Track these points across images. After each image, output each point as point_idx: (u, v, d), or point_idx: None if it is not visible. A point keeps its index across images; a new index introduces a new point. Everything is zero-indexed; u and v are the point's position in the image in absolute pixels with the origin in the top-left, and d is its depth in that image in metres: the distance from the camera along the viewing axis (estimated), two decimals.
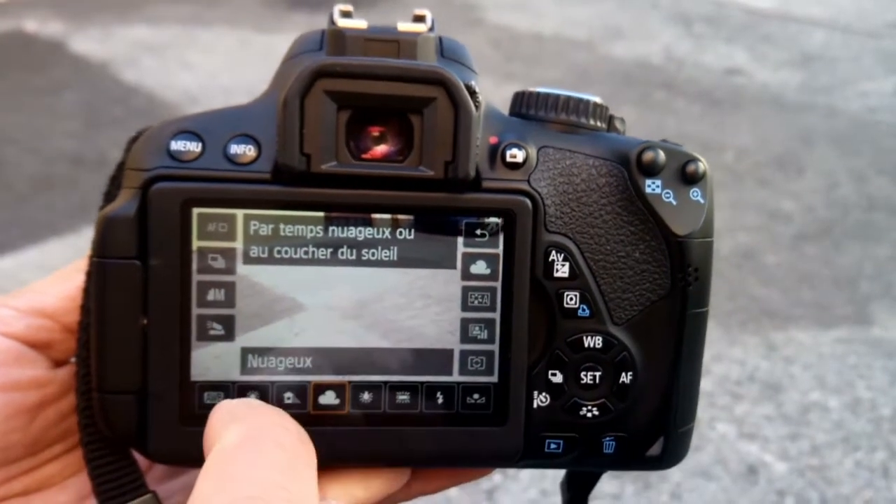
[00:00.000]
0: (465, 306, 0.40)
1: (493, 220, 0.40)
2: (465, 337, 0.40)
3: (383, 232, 0.39)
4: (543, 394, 0.41)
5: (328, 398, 0.40)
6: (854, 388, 1.92)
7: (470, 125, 0.38)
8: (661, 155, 0.41)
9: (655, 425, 0.43)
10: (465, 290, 0.40)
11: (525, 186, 0.40)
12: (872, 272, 2.38)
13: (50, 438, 0.43)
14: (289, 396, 0.39)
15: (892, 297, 2.28)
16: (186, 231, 0.38)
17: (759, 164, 3.00)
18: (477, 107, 0.38)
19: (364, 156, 0.39)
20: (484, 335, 0.40)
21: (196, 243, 0.38)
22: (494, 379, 0.41)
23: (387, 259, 0.39)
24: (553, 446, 0.42)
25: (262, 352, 0.39)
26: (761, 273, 2.36)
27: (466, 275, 0.40)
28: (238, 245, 0.38)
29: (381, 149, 0.39)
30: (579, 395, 0.41)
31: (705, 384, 1.84)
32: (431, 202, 0.39)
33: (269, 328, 0.39)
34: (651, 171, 0.41)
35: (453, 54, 0.42)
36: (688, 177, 0.41)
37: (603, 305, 0.41)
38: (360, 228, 0.39)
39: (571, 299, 0.41)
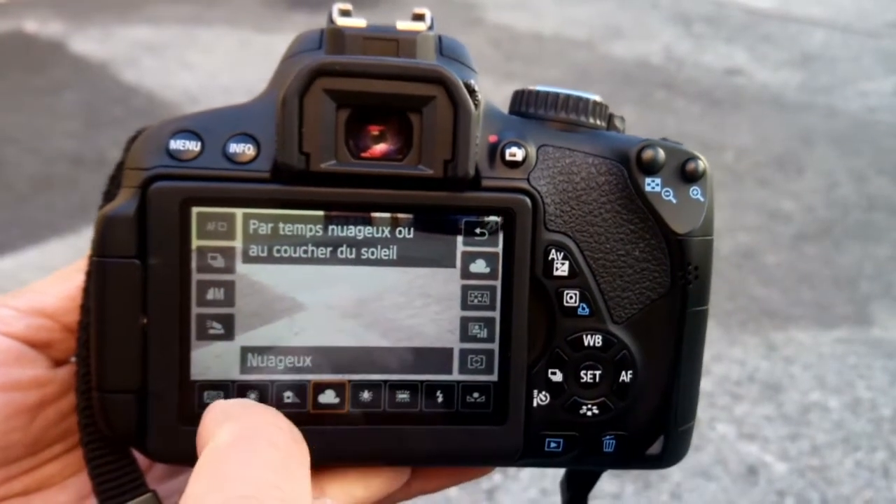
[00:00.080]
0: (465, 305, 0.40)
1: (492, 218, 0.40)
2: (465, 336, 0.40)
3: (383, 231, 0.39)
4: (543, 392, 0.41)
5: (328, 397, 0.40)
6: (854, 388, 1.92)
7: (469, 124, 0.38)
8: (661, 153, 0.41)
9: (655, 424, 0.42)
10: (465, 289, 0.40)
11: (525, 185, 0.40)
12: (872, 272, 2.38)
13: (50, 438, 0.42)
14: (288, 395, 0.39)
15: (892, 297, 2.28)
16: (186, 230, 0.38)
17: (759, 164, 3.00)
18: (476, 105, 0.38)
19: (363, 154, 0.39)
20: (484, 334, 0.40)
21: (195, 242, 0.38)
22: (494, 378, 0.41)
23: (386, 258, 0.39)
24: (553, 445, 0.42)
25: (262, 351, 0.39)
26: (761, 273, 2.36)
27: (466, 273, 0.40)
28: (237, 244, 0.38)
29: (380, 147, 0.39)
30: (579, 393, 0.41)
31: (705, 384, 1.84)
32: (431, 201, 0.39)
33: (269, 327, 0.39)
34: (651, 169, 0.41)
35: (453, 53, 0.42)
36: (687, 175, 0.41)
37: (603, 304, 0.41)
38: (359, 227, 0.39)
39: (571, 298, 0.41)
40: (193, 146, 0.38)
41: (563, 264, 0.40)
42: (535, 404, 0.41)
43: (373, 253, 0.39)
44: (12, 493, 0.42)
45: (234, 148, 0.39)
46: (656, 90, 3.62)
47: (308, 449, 0.35)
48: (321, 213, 0.39)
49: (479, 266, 0.40)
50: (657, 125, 3.18)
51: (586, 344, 0.41)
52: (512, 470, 1.63)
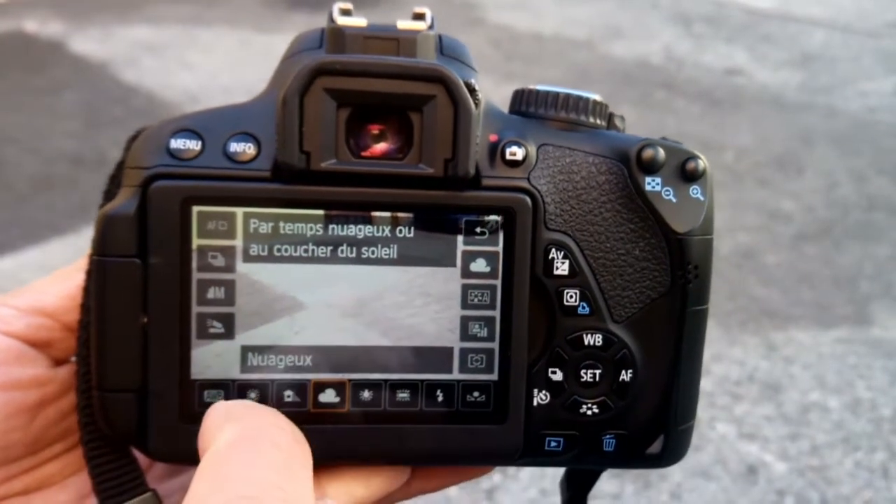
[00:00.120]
0: (465, 304, 0.40)
1: (492, 217, 0.40)
2: (465, 335, 0.40)
3: (383, 230, 0.39)
4: (543, 392, 0.41)
5: (328, 396, 0.40)
6: (854, 388, 1.92)
7: (469, 123, 0.38)
8: (661, 152, 0.41)
9: (656, 423, 0.42)
10: (465, 288, 0.40)
11: (525, 184, 0.40)
12: (872, 272, 2.38)
13: (50, 437, 0.42)
14: (289, 394, 0.39)
15: (892, 297, 2.28)
16: (186, 229, 0.38)
17: (759, 164, 3.00)
18: (476, 104, 0.38)
19: (364, 153, 0.39)
20: (484, 333, 0.40)
21: (196, 241, 0.38)
22: (494, 377, 0.41)
23: (386, 257, 0.39)
24: (553, 444, 0.42)
25: (262, 350, 0.39)
26: (761, 273, 2.36)
27: (466, 273, 0.40)
28: (238, 243, 0.38)
29: (380, 146, 0.39)
30: (579, 392, 0.41)
31: (705, 384, 1.84)
32: (431, 200, 0.39)
33: (269, 326, 0.39)
34: (651, 168, 0.41)
35: (453, 52, 0.42)
36: (687, 174, 0.41)
37: (603, 303, 0.41)
38: (359, 226, 0.39)
39: (571, 297, 0.41)
40: (194, 145, 0.38)
41: (563, 263, 0.40)
42: (535, 403, 0.41)
43: (373, 252, 0.39)
44: (12, 492, 0.42)
45: (235, 147, 0.39)
46: (656, 90, 3.62)
47: (310, 449, 0.35)
48: (321, 212, 0.39)
49: (479, 265, 0.40)
50: (657, 125, 3.18)
51: (586, 343, 0.41)
52: (512, 470, 1.63)
